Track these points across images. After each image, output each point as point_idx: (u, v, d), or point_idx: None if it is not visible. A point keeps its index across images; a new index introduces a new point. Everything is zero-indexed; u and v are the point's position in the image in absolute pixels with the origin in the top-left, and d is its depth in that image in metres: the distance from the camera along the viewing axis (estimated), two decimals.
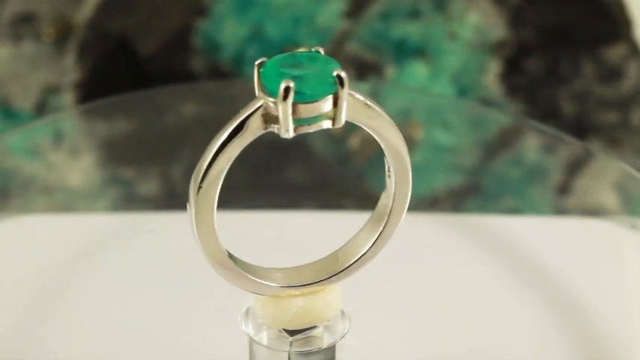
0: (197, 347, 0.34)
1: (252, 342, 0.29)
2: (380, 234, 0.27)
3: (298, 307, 0.27)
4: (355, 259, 0.28)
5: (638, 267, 0.38)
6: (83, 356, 0.34)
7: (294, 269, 0.28)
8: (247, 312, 0.29)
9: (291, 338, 0.28)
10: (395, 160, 0.26)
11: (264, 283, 0.27)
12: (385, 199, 0.27)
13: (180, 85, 0.47)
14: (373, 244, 0.27)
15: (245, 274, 0.27)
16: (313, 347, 0.28)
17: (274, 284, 0.27)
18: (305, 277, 0.28)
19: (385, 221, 0.27)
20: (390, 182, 0.27)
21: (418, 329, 0.35)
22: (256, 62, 0.24)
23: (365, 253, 0.28)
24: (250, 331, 0.29)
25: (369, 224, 0.28)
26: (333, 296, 0.28)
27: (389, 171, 0.27)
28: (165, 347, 0.34)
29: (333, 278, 0.28)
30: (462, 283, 0.37)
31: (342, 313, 0.29)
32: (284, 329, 0.28)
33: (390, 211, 0.27)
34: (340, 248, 0.28)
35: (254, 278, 0.27)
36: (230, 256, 0.26)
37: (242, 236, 0.36)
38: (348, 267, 0.28)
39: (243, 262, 0.27)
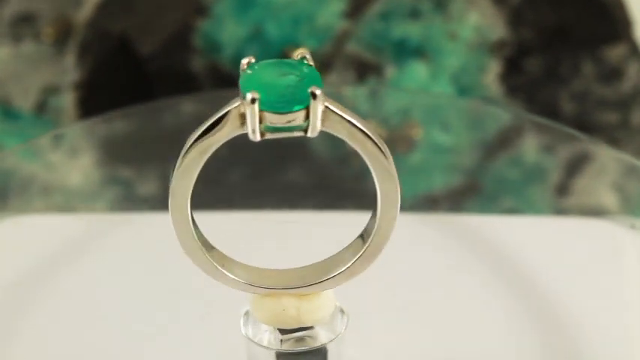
0: (197, 348, 0.34)
1: (251, 344, 0.29)
2: (363, 253, 0.26)
3: (291, 306, 0.27)
4: (338, 272, 0.27)
5: (638, 267, 0.38)
6: (82, 355, 0.34)
7: (268, 272, 0.27)
8: (247, 314, 0.29)
9: (283, 337, 0.28)
10: (380, 177, 0.25)
11: (232, 277, 0.26)
12: (373, 219, 0.26)
13: (183, 95, 0.47)
14: (355, 261, 0.26)
15: (216, 266, 0.26)
16: (311, 346, 0.28)
17: (242, 281, 0.27)
18: (274, 281, 0.27)
19: (370, 241, 0.26)
20: (377, 200, 0.25)
21: (417, 329, 0.35)
22: (244, 61, 0.24)
23: (347, 268, 0.27)
24: (250, 333, 0.29)
25: (355, 242, 0.27)
26: (325, 296, 0.28)
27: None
28: (165, 347, 0.34)
29: (309, 287, 0.27)
30: (462, 282, 0.37)
31: (341, 311, 0.29)
32: (279, 329, 0.28)
33: (375, 232, 0.26)
34: (326, 259, 0.27)
35: (224, 271, 0.26)
36: (207, 246, 0.26)
37: (241, 236, 0.36)
38: (329, 279, 0.27)
39: (221, 254, 0.26)
